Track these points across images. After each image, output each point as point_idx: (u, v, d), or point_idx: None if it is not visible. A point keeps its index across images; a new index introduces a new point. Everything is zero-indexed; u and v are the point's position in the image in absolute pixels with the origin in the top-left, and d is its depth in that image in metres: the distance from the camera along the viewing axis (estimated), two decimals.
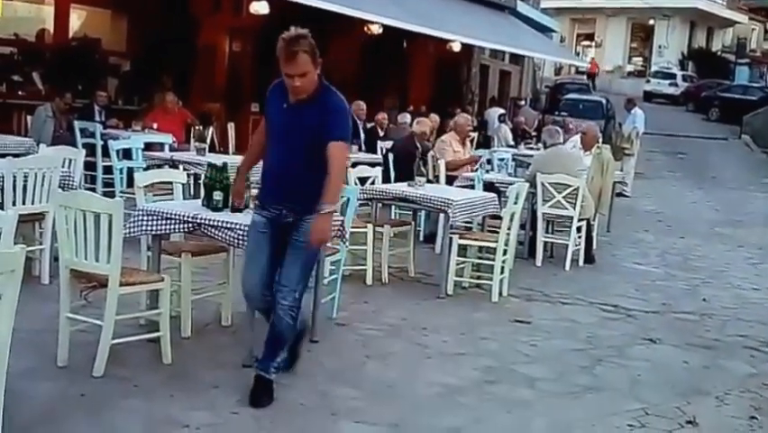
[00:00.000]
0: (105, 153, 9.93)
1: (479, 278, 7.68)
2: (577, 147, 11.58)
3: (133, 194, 5.91)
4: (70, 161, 7.15)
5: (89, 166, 9.98)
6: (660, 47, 49.84)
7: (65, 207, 4.68)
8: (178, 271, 5.45)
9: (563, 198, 8.97)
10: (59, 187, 6.21)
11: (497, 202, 8.11)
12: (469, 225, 8.91)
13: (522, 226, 8.73)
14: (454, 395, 5.00)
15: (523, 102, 25.65)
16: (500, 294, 7.44)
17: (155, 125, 11.58)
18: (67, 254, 4.72)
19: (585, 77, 38.54)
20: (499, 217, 7.67)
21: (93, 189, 9.37)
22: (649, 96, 39.40)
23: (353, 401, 4.75)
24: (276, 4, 13.17)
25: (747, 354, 6.48)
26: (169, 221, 5.15)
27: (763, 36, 55.79)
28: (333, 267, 6.21)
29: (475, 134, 15.37)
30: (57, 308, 4.79)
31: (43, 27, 14.27)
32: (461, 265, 7.60)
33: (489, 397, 5.04)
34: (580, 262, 9.32)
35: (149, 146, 10.06)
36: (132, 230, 5.11)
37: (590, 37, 52.15)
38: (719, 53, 49.76)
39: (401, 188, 7.83)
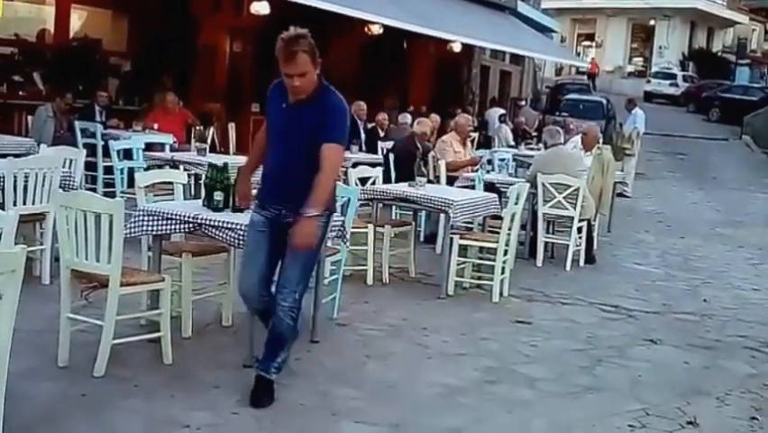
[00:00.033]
0: (106, 154, 9.93)
1: (479, 278, 7.68)
2: (578, 147, 11.59)
3: (134, 194, 5.91)
4: (71, 161, 7.16)
5: (90, 166, 9.99)
6: (660, 47, 49.84)
7: (66, 208, 4.68)
8: (179, 272, 5.45)
9: (564, 198, 8.98)
10: (60, 187, 6.22)
11: (497, 202, 8.11)
12: (469, 225, 8.91)
13: (523, 227, 8.73)
14: (455, 395, 5.00)
15: (523, 102, 25.64)
16: (501, 294, 7.45)
17: (156, 126, 11.58)
18: (67, 255, 4.72)
19: (585, 77, 38.53)
20: (500, 218, 7.67)
21: (94, 190, 9.37)
22: (649, 97, 39.41)
23: (354, 402, 4.75)
24: (276, 5, 13.17)
25: (748, 354, 6.48)
26: (169, 221, 5.15)
27: (764, 36, 55.78)
28: (333, 267, 6.21)
29: (476, 135, 15.38)
30: (57, 309, 4.80)
31: (44, 27, 14.26)
32: (462, 265, 7.60)
33: (490, 397, 5.04)
34: (581, 263, 9.32)
35: (149, 146, 10.07)
36: (132, 230, 5.11)
37: (591, 37, 52.14)
38: (720, 54, 49.76)
39: (402, 188, 7.84)
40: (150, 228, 5.15)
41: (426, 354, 5.76)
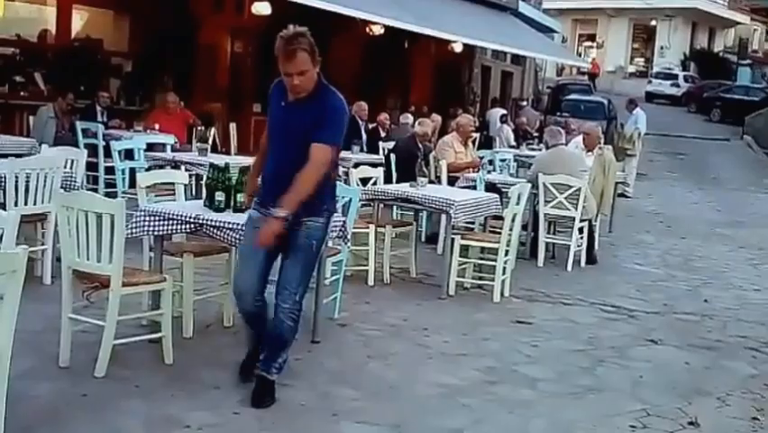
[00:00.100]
0: (107, 154, 9.94)
1: (480, 278, 7.68)
2: (579, 148, 11.58)
3: (135, 194, 5.92)
4: (72, 161, 7.16)
5: (91, 166, 10.00)
6: (662, 48, 49.84)
7: (67, 208, 4.68)
8: (180, 272, 5.46)
9: (565, 198, 8.98)
10: (62, 187, 6.23)
11: (498, 203, 8.12)
12: (470, 225, 8.92)
13: (524, 227, 8.72)
14: (456, 396, 5.01)
15: (525, 103, 25.66)
16: (502, 295, 7.45)
17: (157, 126, 11.58)
18: (69, 255, 4.72)
19: (586, 77, 38.52)
20: (501, 218, 7.67)
21: (95, 190, 9.38)
22: (651, 97, 39.40)
23: (355, 402, 4.75)
24: (278, 5, 13.18)
25: (749, 354, 6.48)
26: (171, 222, 5.15)
27: (765, 37, 55.75)
28: (334, 267, 6.21)
29: (477, 135, 15.38)
30: (59, 309, 4.80)
31: (45, 28, 14.27)
32: (463, 266, 7.60)
33: (491, 397, 5.04)
34: (582, 263, 9.32)
35: (151, 147, 10.06)
36: (134, 231, 5.10)
37: (592, 38, 52.13)
38: (721, 54, 49.73)
39: (403, 188, 7.84)
40: (151, 229, 5.15)
41: (427, 355, 5.76)
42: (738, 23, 51.98)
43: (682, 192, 18.82)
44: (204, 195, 5.45)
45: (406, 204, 7.95)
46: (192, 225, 5.14)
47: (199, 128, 12.25)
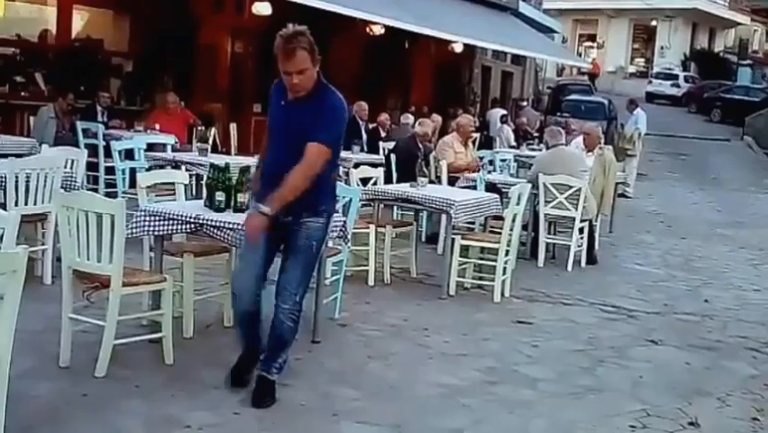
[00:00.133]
0: (108, 154, 9.94)
1: (480, 279, 7.68)
2: (580, 148, 11.58)
3: (136, 194, 5.92)
4: (73, 161, 7.17)
5: (92, 167, 10.00)
6: (662, 48, 49.83)
7: (67, 208, 4.68)
8: (181, 272, 5.45)
9: (566, 198, 8.98)
10: (62, 187, 6.23)
11: (499, 203, 8.12)
12: (471, 225, 8.92)
13: (524, 227, 8.72)
14: (456, 396, 5.01)
15: (525, 103, 25.66)
16: (502, 295, 7.45)
17: (157, 126, 11.58)
18: (69, 255, 4.72)
19: (586, 78, 38.51)
20: (501, 218, 7.67)
21: (95, 190, 9.38)
22: (651, 98, 39.38)
23: (355, 402, 4.75)
24: (278, 5, 13.18)
25: (749, 355, 6.48)
26: (171, 222, 5.14)
27: (766, 37, 55.73)
28: (335, 267, 6.21)
29: (477, 135, 15.38)
30: (59, 309, 4.80)
31: (46, 28, 14.27)
32: (463, 266, 7.60)
33: (491, 398, 5.04)
34: (582, 263, 9.32)
35: (151, 147, 10.07)
36: (134, 231, 5.10)
37: (593, 38, 52.12)
38: (721, 54, 49.72)
39: (403, 188, 7.84)
40: (151, 229, 5.15)
41: (427, 355, 5.76)
42: (739, 24, 51.97)
43: (683, 192, 18.82)
44: (204, 195, 5.45)
45: (407, 204, 7.95)
46: (192, 226, 5.13)
47: (199, 128, 12.26)
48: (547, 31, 25.98)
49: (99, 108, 12.11)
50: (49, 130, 11.03)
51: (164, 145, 10.38)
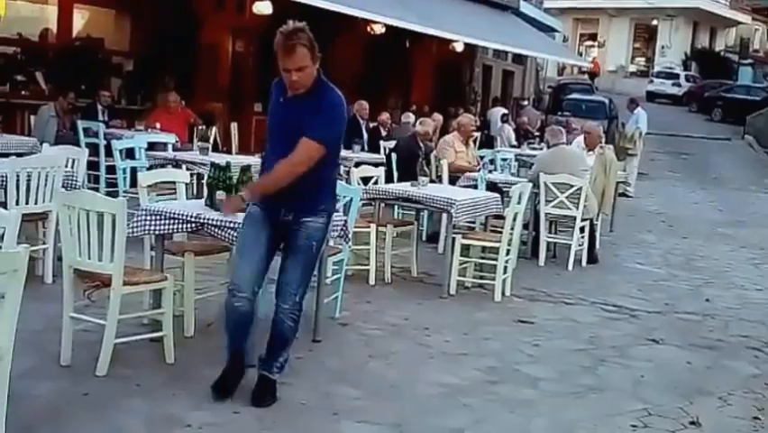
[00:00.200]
0: (109, 153, 9.94)
1: (481, 278, 7.68)
2: (581, 147, 11.58)
3: (137, 194, 5.92)
4: (73, 160, 7.17)
5: (92, 166, 10.00)
6: (663, 47, 49.79)
7: (68, 207, 4.68)
8: (182, 271, 5.46)
9: (566, 198, 8.97)
10: (63, 186, 6.23)
11: (500, 202, 8.12)
12: (472, 225, 8.92)
13: (525, 226, 8.72)
14: (457, 395, 5.00)
15: (526, 102, 25.64)
16: (503, 294, 7.45)
17: (158, 125, 11.59)
18: (70, 254, 4.72)
19: (587, 76, 38.50)
20: (502, 217, 7.67)
21: (96, 189, 9.37)
22: (652, 97, 39.38)
23: (356, 401, 4.75)
24: (279, 5, 13.18)
25: (750, 354, 6.48)
26: (172, 221, 5.14)
27: (767, 36, 55.70)
28: (335, 267, 6.21)
29: (478, 134, 15.38)
30: (60, 308, 4.80)
31: (46, 27, 14.28)
32: (464, 265, 7.60)
33: (492, 397, 5.04)
34: (583, 263, 9.32)
35: (152, 146, 10.07)
36: (135, 230, 5.10)
37: (593, 37, 52.08)
38: (722, 53, 49.71)
39: (404, 187, 7.84)
40: (152, 228, 5.15)
41: (428, 354, 5.76)
42: (740, 23, 51.96)
43: (684, 192, 18.81)
44: (205, 194, 5.45)
45: (408, 203, 7.95)
46: (193, 225, 5.13)
47: (200, 127, 12.28)
48: (548, 30, 25.98)
49: (100, 107, 12.11)
50: (50, 129, 11.03)
51: (165, 144, 10.38)
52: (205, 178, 5.65)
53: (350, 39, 16.80)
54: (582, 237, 9.24)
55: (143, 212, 5.17)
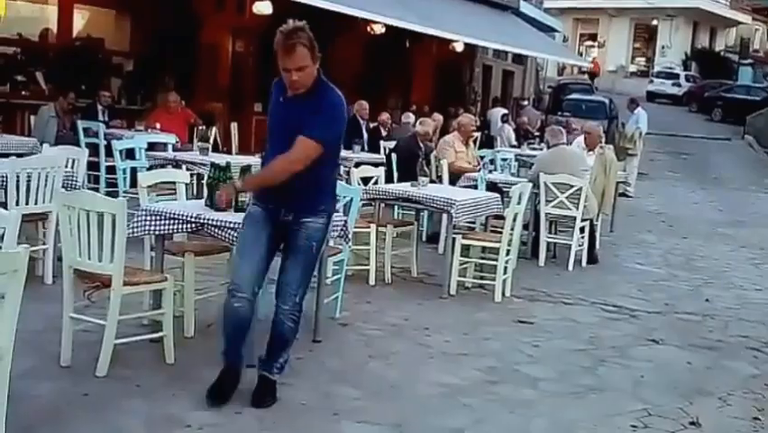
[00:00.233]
0: (109, 153, 9.95)
1: (481, 278, 7.68)
2: (581, 147, 11.58)
3: (137, 194, 5.92)
4: (74, 160, 7.17)
5: (93, 166, 10.00)
6: (663, 47, 49.80)
7: (68, 207, 4.68)
8: (182, 271, 5.46)
9: (566, 198, 8.97)
10: (63, 187, 6.23)
11: (500, 202, 8.12)
12: (472, 225, 8.92)
13: (525, 227, 8.72)
14: (457, 395, 5.00)
15: (526, 102, 25.65)
16: (503, 294, 7.45)
17: (158, 125, 11.59)
18: (70, 254, 4.72)
19: (587, 77, 38.50)
20: (502, 218, 7.67)
21: (96, 189, 9.36)
22: (652, 97, 39.38)
23: (356, 401, 4.75)
24: (279, 5, 13.18)
25: (750, 354, 6.48)
26: (172, 221, 5.14)
27: (767, 36, 55.70)
28: (336, 267, 6.21)
29: (478, 134, 15.38)
30: (60, 308, 4.80)
31: (47, 27, 14.28)
32: (464, 265, 7.60)
33: (492, 397, 5.04)
34: (583, 263, 9.32)
35: (152, 146, 10.08)
36: (135, 230, 5.10)
37: (594, 37, 52.10)
38: (722, 53, 49.71)
39: (404, 188, 7.84)
40: (152, 228, 5.15)
41: (428, 354, 5.76)
42: (740, 23, 51.96)
43: (684, 192, 18.82)
44: (205, 194, 5.45)
45: (408, 203, 7.95)
46: (193, 225, 5.13)
47: (200, 127, 12.28)
48: (548, 30, 25.98)
49: (100, 107, 12.11)
50: (50, 129, 11.03)
51: (165, 145, 10.38)
52: (205, 178, 5.66)
53: (350, 39, 16.80)
54: (582, 237, 9.24)
55: (143, 212, 5.17)
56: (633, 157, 16.99)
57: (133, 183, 7.76)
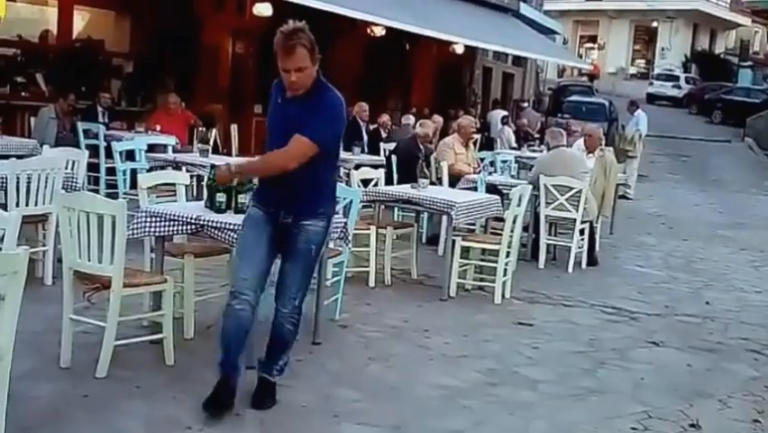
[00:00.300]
0: (109, 155, 9.94)
1: (481, 280, 7.68)
2: (581, 149, 11.59)
3: (137, 195, 5.92)
4: (74, 162, 7.17)
5: (92, 167, 10.00)
6: (663, 49, 49.84)
7: (68, 209, 4.68)
8: (182, 273, 5.46)
9: (566, 200, 8.98)
10: (63, 188, 6.22)
11: (500, 204, 8.12)
12: (472, 227, 8.92)
13: (525, 229, 8.72)
14: (456, 397, 5.00)
15: (526, 104, 25.65)
16: (503, 296, 7.44)
17: (158, 127, 11.59)
18: (70, 256, 4.72)
19: (587, 79, 38.52)
20: (502, 220, 7.67)
21: (96, 191, 9.39)
22: (652, 99, 39.39)
23: (355, 403, 4.75)
24: (279, 6, 13.18)
25: (750, 357, 6.48)
26: (172, 222, 5.14)
27: (767, 39, 55.73)
28: (335, 269, 6.21)
29: (478, 136, 15.39)
30: (60, 310, 4.80)
31: (47, 28, 14.28)
32: (464, 267, 7.60)
33: (492, 399, 5.04)
34: (583, 265, 9.32)
35: (152, 148, 10.07)
36: (135, 231, 5.10)
37: (593, 39, 52.12)
38: (722, 56, 49.73)
39: (404, 189, 7.84)
40: (152, 230, 5.15)
41: (428, 356, 5.76)
42: (739, 25, 52.00)
43: (684, 194, 18.82)
44: (205, 196, 5.45)
45: (408, 205, 7.95)
46: (193, 227, 5.13)
47: (200, 129, 12.28)
48: (548, 32, 25.98)
49: (100, 109, 12.12)
50: (50, 131, 11.04)
51: (165, 146, 10.37)
52: (205, 180, 5.65)
53: (350, 41, 16.81)
54: (582, 239, 9.24)
55: (143, 214, 5.17)
56: (633, 159, 16.99)
57: (133, 185, 7.74)
